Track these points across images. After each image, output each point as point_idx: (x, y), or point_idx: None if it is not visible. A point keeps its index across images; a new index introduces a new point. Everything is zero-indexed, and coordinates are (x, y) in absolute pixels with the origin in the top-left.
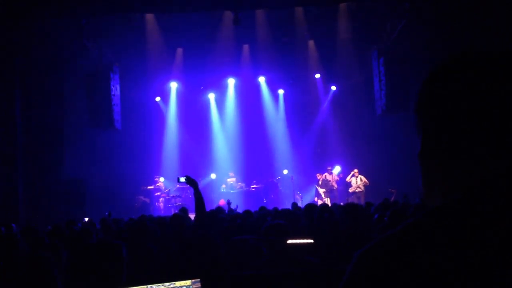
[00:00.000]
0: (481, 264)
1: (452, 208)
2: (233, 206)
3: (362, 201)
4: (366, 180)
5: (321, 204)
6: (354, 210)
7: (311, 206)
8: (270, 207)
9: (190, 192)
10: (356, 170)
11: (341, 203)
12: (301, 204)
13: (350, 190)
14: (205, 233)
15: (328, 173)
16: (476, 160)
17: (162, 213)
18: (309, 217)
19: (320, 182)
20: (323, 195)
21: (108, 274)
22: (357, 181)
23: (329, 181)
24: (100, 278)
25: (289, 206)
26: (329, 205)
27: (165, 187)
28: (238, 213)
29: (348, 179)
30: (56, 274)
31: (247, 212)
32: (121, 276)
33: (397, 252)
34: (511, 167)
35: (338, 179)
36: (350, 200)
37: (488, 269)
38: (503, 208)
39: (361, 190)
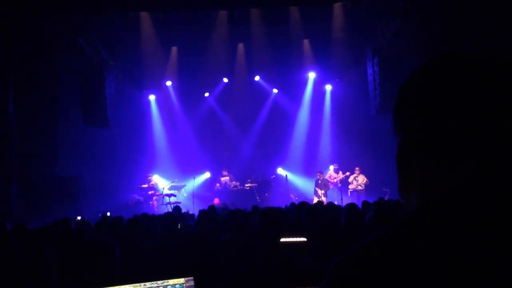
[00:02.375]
0: (461, 268)
1: (431, 213)
2: (222, 207)
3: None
4: (366, 179)
5: (316, 203)
6: (350, 209)
7: (302, 204)
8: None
9: (184, 191)
10: (357, 169)
11: (335, 202)
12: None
13: (350, 187)
14: (200, 231)
15: (333, 171)
16: (454, 162)
17: (156, 212)
18: (298, 215)
19: (319, 182)
20: (321, 195)
21: (101, 272)
22: (357, 180)
23: (330, 180)
24: (92, 276)
25: (283, 206)
26: (324, 203)
27: (159, 185)
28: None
29: (350, 179)
30: (53, 273)
31: (239, 211)
32: (114, 274)
33: (375, 260)
34: (489, 169)
35: (344, 177)
36: (347, 198)
37: (469, 273)
38: (483, 210)
39: (362, 188)
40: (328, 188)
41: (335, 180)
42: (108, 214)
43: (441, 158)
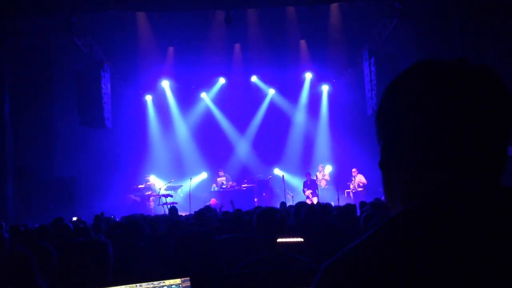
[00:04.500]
0: (447, 269)
1: (412, 216)
2: (218, 206)
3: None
4: (364, 180)
5: (310, 204)
6: (346, 209)
7: (300, 204)
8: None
9: (181, 191)
10: (354, 170)
11: (332, 203)
12: (292, 203)
13: (350, 188)
14: (204, 231)
15: (318, 172)
16: (432, 169)
17: (153, 212)
18: (297, 216)
19: (308, 183)
20: (310, 196)
21: (94, 272)
22: (355, 180)
23: (319, 180)
24: (86, 275)
25: (279, 205)
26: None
27: (155, 185)
28: (228, 212)
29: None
30: (36, 271)
31: (237, 211)
32: (107, 274)
33: (361, 264)
34: (467, 175)
35: (329, 178)
36: (342, 199)
37: (454, 273)
38: (463, 214)
39: (360, 189)
40: (316, 188)
41: (320, 181)
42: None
43: (421, 164)
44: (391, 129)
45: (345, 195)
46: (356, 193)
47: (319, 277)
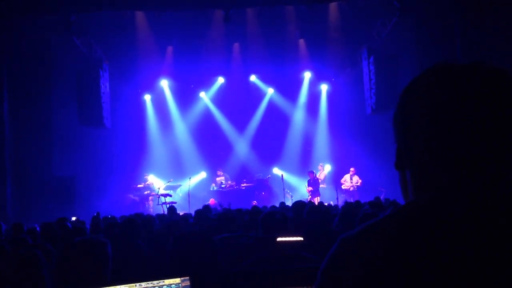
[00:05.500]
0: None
1: (420, 205)
2: (218, 206)
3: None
4: (360, 180)
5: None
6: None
7: (300, 203)
8: (260, 206)
9: (180, 190)
10: (352, 169)
11: (331, 202)
12: (290, 203)
13: (343, 187)
14: (201, 230)
15: (319, 171)
16: (444, 169)
17: (152, 212)
18: (296, 215)
19: (311, 181)
20: (308, 193)
21: (93, 272)
22: (352, 180)
23: (319, 179)
24: (85, 275)
25: (279, 205)
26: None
27: (154, 185)
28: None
29: (342, 180)
30: (45, 273)
31: (237, 211)
32: (106, 273)
33: (374, 239)
34: (477, 173)
35: (323, 178)
36: (341, 198)
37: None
38: (467, 206)
39: (354, 189)
40: (318, 187)
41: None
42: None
43: (433, 165)
44: (406, 132)
45: (345, 194)
46: (349, 192)
47: (336, 247)
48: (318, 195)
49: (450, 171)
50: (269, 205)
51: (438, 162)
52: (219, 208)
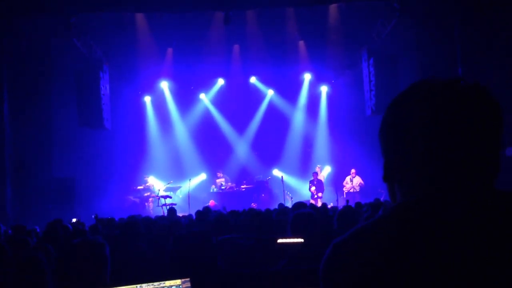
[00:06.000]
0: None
1: (419, 205)
2: (220, 208)
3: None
4: (362, 181)
5: (311, 204)
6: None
7: (300, 204)
8: (260, 207)
9: (180, 192)
10: (353, 171)
11: (331, 203)
12: (290, 204)
13: (345, 189)
14: (201, 231)
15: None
16: (428, 179)
17: (152, 213)
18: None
19: (315, 182)
20: (315, 192)
21: (92, 273)
22: (353, 182)
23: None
24: (83, 276)
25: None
26: (318, 205)
27: (154, 187)
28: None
29: (345, 182)
30: (48, 278)
31: (233, 212)
32: (105, 275)
33: (365, 243)
34: (460, 181)
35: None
36: (341, 200)
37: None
38: (448, 207)
39: (356, 190)
40: (322, 188)
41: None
42: (93, 216)
43: (418, 176)
44: (392, 146)
45: (344, 195)
46: (351, 194)
47: (329, 252)
48: (320, 196)
49: (450, 171)
50: (270, 207)
51: (438, 163)
52: (222, 210)
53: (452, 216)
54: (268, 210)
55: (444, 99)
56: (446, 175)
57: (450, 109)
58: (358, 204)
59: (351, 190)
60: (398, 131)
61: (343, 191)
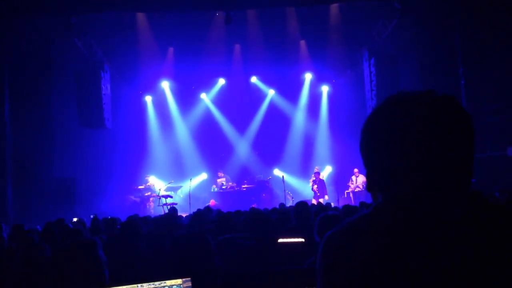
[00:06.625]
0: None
1: (417, 204)
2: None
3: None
4: (365, 180)
5: (318, 204)
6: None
7: (303, 204)
8: (261, 207)
9: (181, 192)
10: (356, 170)
11: (332, 203)
12: (291, 204)
13: (349, 189)
14: (198, 231)
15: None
16: (408, 187)
17: (152, 213)
18: (298, 216)
19: (317, 182)
20: (317, 191)
21: (84, 273)
22: (356, 181)
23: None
24: (76, 276)
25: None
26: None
27: (155, 186)
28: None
29: (350, 182)
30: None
31: (236, 212)
32: (100, 274)
33: (356, 235)
34: (437, 186)
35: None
36: (343, 199)
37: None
38: (425, 207)
39: (360, 189)
40: (325, 188)
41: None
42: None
43: (397, 184)
44: (371, 159)
45: (345, 195)
46: (355, 193)
47: (323, 243)
48: (322, 196)
49: (449, 172)
50: (270, 207)
51: (434, 164)
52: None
53: (454, 216)
54: (266, 210)
55: (421, 110)
56: (428, 180)
57: (422, 124)
58: (362, 203)
59: (356, 190)
60: (372, 148)
61: (347, 190)
